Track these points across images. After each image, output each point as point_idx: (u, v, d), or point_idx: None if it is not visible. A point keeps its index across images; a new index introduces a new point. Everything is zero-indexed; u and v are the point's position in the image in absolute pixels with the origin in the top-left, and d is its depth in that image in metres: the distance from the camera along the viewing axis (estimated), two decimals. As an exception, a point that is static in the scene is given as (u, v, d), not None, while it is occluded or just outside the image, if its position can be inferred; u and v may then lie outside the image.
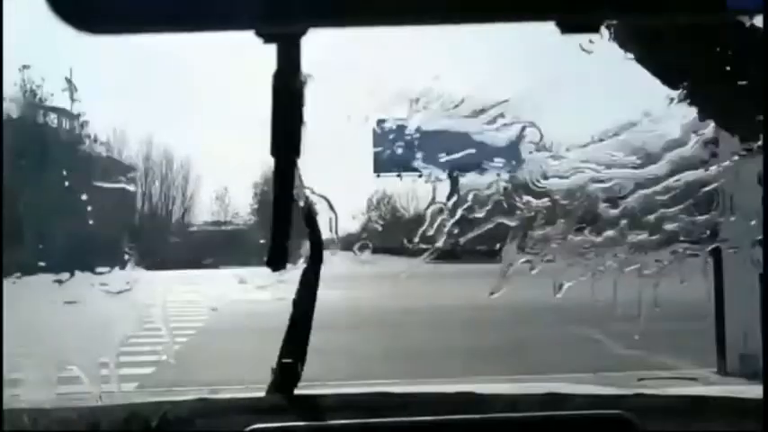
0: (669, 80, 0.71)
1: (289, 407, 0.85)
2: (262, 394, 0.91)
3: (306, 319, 0.91)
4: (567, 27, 0.46)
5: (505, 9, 0.44)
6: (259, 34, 0.44)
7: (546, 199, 1.45)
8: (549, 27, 0.45)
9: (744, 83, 0.68)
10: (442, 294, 13.35)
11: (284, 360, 0.88)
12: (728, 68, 0.66)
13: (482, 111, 1.50)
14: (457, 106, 1.64)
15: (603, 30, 0.47)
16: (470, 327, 9.47)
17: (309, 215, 0.90)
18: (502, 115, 1.41)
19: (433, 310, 11.82)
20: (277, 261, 0.76)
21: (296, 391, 0.91)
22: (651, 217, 1.42)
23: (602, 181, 1.37)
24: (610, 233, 1.48)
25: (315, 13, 0.44)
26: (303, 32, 0.45)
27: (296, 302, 0.91)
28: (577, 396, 0.90)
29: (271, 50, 0.47)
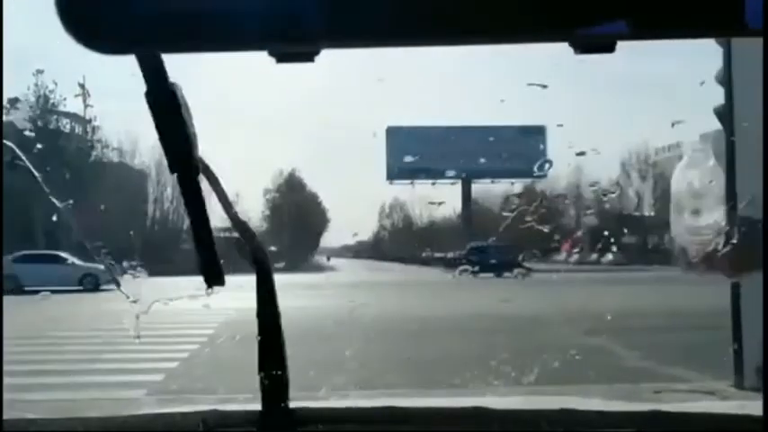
0: None
1: (300, 419, 0.85)
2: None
3: (276, 331, 0.90)
4: (580, 47, 0.46)
5: (518, 29, 0.44)
6: (272, 54, 0.44)
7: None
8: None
9: None
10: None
11: (271, 372, 0.87)
12: None
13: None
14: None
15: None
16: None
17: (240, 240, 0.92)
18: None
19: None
20: (214, 279, 0.78)
21: (304, 404, 0.90)
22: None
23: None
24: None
25: (329, 32, 0.44)
26: (317, 51, 0.45)
27: (260, 317, 0.91)
28: (591, 412, 0.89)
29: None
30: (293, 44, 0.44)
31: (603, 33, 0.44)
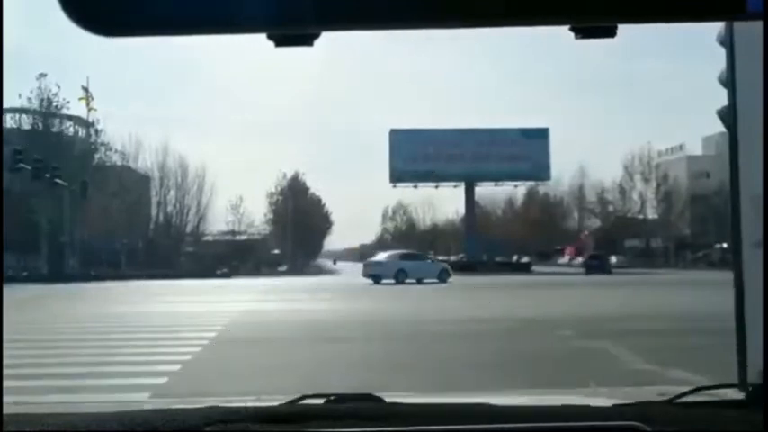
0: None
1: (301, 416, 0.84)
2: (275, 403, 0.90)
3: None
4: (581, 31, 0.45)
5: (519, 13, 0.44)
6: (270, 37, 0.44)
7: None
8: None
9: None
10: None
11: None
12: None
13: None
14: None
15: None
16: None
17: None
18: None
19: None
20: None
21: (308, 401, 0.90)
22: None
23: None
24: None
25: (327, 15, 0.44)
26: (315, 36, 0.45)
27: None
28: (592, 407, 0.89)
29: (286, 58, 0.48)
30: (292, 26, 0.44)
31: (604, 17, 0.44)
